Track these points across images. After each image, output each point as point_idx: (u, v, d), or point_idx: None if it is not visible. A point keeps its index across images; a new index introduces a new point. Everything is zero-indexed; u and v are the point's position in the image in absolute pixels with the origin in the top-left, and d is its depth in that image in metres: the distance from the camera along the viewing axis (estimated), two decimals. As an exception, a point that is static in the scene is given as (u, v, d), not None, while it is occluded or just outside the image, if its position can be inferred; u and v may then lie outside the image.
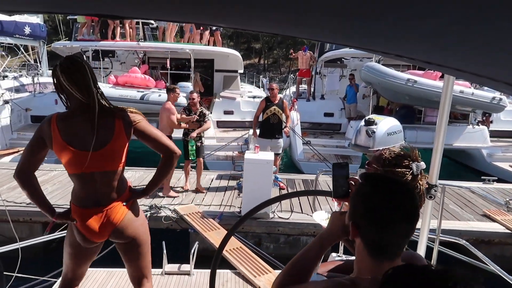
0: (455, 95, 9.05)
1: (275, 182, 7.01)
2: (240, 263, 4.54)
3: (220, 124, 11.77)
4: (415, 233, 3.29)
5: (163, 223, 5.76)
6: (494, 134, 11.97)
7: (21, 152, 9.70)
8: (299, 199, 6.45)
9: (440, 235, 3.47)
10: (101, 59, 12.06)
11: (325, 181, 7.01)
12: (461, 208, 6.72)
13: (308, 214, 5.90)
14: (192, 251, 4.32)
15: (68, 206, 2.21)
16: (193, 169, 7.30)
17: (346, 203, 1.57)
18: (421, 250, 2.39)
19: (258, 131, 7.21)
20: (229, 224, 5.47)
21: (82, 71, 2.02)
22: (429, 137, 9.81)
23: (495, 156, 11.19)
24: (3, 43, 14.88)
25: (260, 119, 7.20)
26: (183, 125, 6.66)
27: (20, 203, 5.89)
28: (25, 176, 2.07)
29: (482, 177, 8.17)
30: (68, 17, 15.34)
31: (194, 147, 6.77)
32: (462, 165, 11.90)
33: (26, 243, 3.79)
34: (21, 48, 15.71)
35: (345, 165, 1.45)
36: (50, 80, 14.77)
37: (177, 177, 7.46)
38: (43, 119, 2.11)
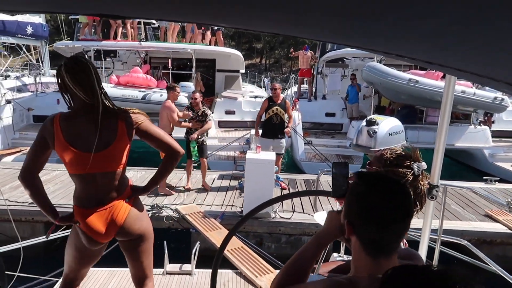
0: (457, 95, 9.03)
1: (277, 182, 7.01)
2: (241, 263, 4.54)
3: (221, 124, 11.78)
4: (416, 234, 3.29)
5: (165, 222, 5.77)
6: (496, 134, 11.95)
7: (23, 151, 9.78)
8: (300, 199, 6.45)
9: (442, 235, 3.46)
10: (103, 59, 12.08)
11: (327, 181, 7.00)
12: (463, 208, 6.70)
13: (309, 214, 5.90)
14: (194, 251, 4.33)
15: (70, 205, 2.21)
16: (194, 169, 7.31)
17: None
18: (423, 251, 2.38)
19: (260, 131, 7.21)
20: (230, 224, 5.47)
21: (87, 71, 2.02)
22: (431, 137, 9.80)
23: (497, 156, 11.16)
24: (5, 42, 14.92)
25: (263, 119, 7.20)
26: (184, 123, 6.67)
27: (22, 202, 5.91)
28: (30, 177, 2.07)
29: (484, 177, 8.15)
30: (70, 17, 15.39)
31: (196, 147, 6.78)
32: (464, 165, 11.87)
33: (28, 242, 3.79)
34: (23, 48, 15.76)
35: (345, 164, 1.45)
36: (52, 79, 14.86)
37: (178, 177, 7.47)
38: (45, 118, 2.11)
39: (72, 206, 2.20)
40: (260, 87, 18.33)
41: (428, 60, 0.78)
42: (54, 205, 2.21)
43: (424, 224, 2.36)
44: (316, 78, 13.67)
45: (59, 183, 6.91)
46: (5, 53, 15.64)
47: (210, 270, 1.72)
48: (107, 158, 2.07)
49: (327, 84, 13.57)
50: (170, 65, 11.74)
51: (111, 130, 2.07)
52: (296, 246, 5.73)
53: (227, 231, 1.94)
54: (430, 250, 2.69)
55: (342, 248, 2.93)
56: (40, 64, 15.42)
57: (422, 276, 0.75)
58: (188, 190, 6.95)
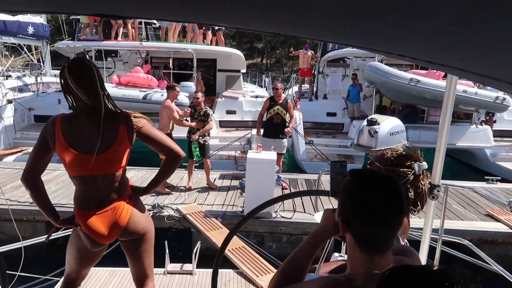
0: (458, 94, 9.02)
1: (278, 182, 7.01)
2: (242, 263, 4.54)
3: (222, 124, 11.78)
4: (417, 233, 3.28)
5: (166, 222, 5.77)
6: (498, 134, 11.93)
7: (25, 151, 9.79)
8: (301, 199, 6.45)
9: (443, 235, 3.46)
10: (104, 59, 12.10)
11: (328, 181, 6.95)
12: (465, 208, 6.69)
13: (310, 214, 5.90)
14: (195, 250, 4.33)
15: (71, 205, 2.22)
16: (196, 169, 7.31)
17: None
18: (424, 250, 2.38)
19: (262, 130, 7.21)
20: (231, 224, 5.47)
21: (90, 73, 2.03)
22: (432, 137, 9.79)
23: (499, 156, 11.14)
24: (6, 43, 14.95)
25: (264, 118, 7.20)
26: (186, 122, 6.68)
27: (24, 202, 5.92)
28: (32, 179, 2.08)
29: (486, 177, 8.14)
30: (71, 17, 15.41)
31: (197, 148, 6.79)
32: (466, 165, 11.86)
33: (29, 242, 3.80)
34: (25, 48, 15.79)
35: (343, 162, 1.45)
36: (53, 79, 14.89)
37: (179, 177, 7.47)
38: (46, 118, 2.12)
39: (73, 206, 2.21)
40: (261, 87, 18.33)
41: (429, 60, 0.78)
42: (55, 205, 2.22)
43: (425, 223, 2.36)
44: (317, 78, 13.66)
45: (61, 183, 6.92)
46: (7, 53, 15.67)
47: (211, 270, 1.72)
48: (107, 160, 2.08)
49: (328, 84, 13.56)
50: (171, 65, 11.74)
51: (112, 133, 2.08)
52: (297, 246, 5.72)
53: (228, 231, 1.94)
54: (431, 250, 2.69)
55: (343, 248, 2.93)
56: (41, 64, 15.45)
57: (421, 276, 0.75)
58: (189, 189, 6.95)
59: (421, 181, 1.85)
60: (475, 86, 10.58)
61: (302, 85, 14.01)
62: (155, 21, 14.24)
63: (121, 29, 12.49)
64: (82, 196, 2.14)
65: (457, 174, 9.85)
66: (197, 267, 4.26)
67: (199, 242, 4.63)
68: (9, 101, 10.72)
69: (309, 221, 5.72)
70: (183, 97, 10.33)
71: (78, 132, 2.06)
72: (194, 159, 6.93)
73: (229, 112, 11.99)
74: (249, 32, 29.99)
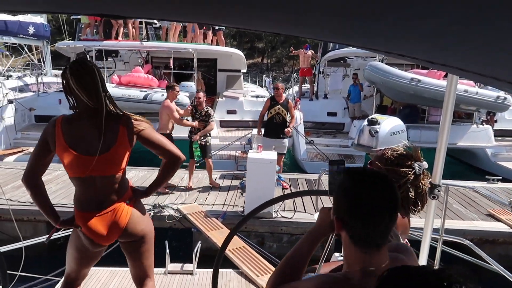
0: (459, 94, 9.01)
1: (278, 182, 7.01)
2: (242, 263, 4.54)
3: (223, 124, 11.78)
4: (418, 233, 3.28)
5: (166, 222, 5.77)
6: (499, 134, 11.91)
7: (25, 151, 9.79)
8: (302, 199, 6.45)
9: (444, 235, 3.46)
10: (105, 59, 12.10)
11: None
12: (465, 207, 6.69)
13: (311, 214, 5.90)
14: (195, 250, 4.33)
15: (71, 205, 2.22)
16: (196, 169, 7.32)
17: None
18: (424, 250, 2.38)
19: (263, 130, 7.21)
20: (232, 224, 5.47)
21: (92, 74, 2.03)
22: (433, 137, 9.78)
23: (500, 156, 11.13)
24: (7, 43, 14.97)
25: (265, 118, 7.20)
26: (187, 122, 6.68)
27: (24, 202, 5.92)
28: (32, 179, 2.09)
29: (487, 177, 8.13)
30: (71, 17, 15.42)
31: (198, 148, 6.79)
32: (467, 165, 11.85)
33: (30, 242, 3.80)
34: (25, 48, 15.82)
35: (341, 162, 1.45)
36: (54, 79, 14.89)
37: (180, 177, 7.47)
38: (47, 118, 2.13)
39: (73, 207, 2.21)
40: (262, 86, 18.32)
41: (430, 60, 0.78)
42: (56, 205, 2.23)
43: (426, 223, 2.35)
44: (318, 78, 13.65)
45: (61, 183, 6.93)
46: (7, 53, 15.69)
47: (212, 270, 1.72)
48: (107, 162, 2.08)
49: (328, 84, 13.56)
50: (171, 65, 11.74)
51: (112, 134, 2.09)
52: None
53: (229, 231, 1.94)
54: (432, 250, 2.68)
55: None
56: (42, 64, 15.46)
57: (419, 276, 0.74)
58: (190, 189, 6.96)
59: (422, 181, 1.85)
60: (476, 85, 10.57)
61: (303, 85, 14.00)
62: (155, 21, 14.25)
63: (122, 29, 12.50)
64: (82, 197, 2.14)
65: (458, 174, 9.84)
66: (197, 267, 4.26)
67: (199, 242, 4.63)
68: (10, 101, 10.73)
69: (310, 221, 5.72)
70: (184, 97, 10.33)
71: (79, 134, 2.07)
72: (195, 159, 6.93)
73: (229, 112, 11.99)
74: (250, 32, 29.99)
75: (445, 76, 9.58)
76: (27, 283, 3.95)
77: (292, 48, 15.07)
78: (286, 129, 6.99)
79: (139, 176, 7.65)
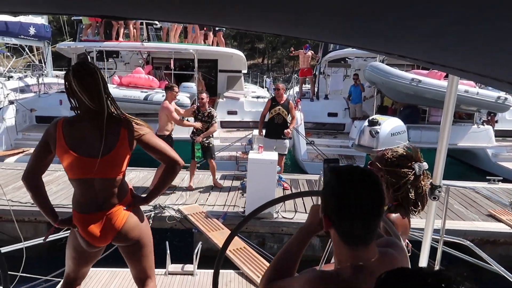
0: (460, 94, 8.99)
1: (279, 182, 7.01)
2: (243, 263, 4.54)
3: (223, 124, 11.78)
4: (419, 234, 3.27)
5: (167, 223, 5.77)
6: (499, 134, 11.89)
7: (26, 152, 9.80)
8: (303, 199, 6.44)
9: (444, 235, 3.46)
10: (105, 60, 12.10)
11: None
12: (466, 208, 6.68)
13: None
14: (196, 251, 4.33)
15: (71, 206, 2.23)
16: (197, 170, 7.32)
17: None
18: (425, 251, 2.38)
19: (264, 131, 7.22)
20: (233, 224, 5.47)
21: (94, 76, 2.05)
22: (434, 137, 9.77)
23: (501, 156, 11.12)
24: (8, 43, 15.00)
25: (266, 119, 7.21)
26: (187, 122, 6.68)
27: (25, 203, 5.92)
28: (32, 179, 2.11)
29: (487, 177, 8.12)
30: (72, 18, 15.43)
31: (200, 149, 6.79)
32: (467, 165, 11.83)
33: (31, 242, 3.81)
34: (26, 49, 15.83)
35: (336, 161, 1.46)
36: (55, 80, 14.88)
37: (181, 177, 7.48)
38: (48, 119, 2.14)
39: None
40: (263, 87, 18.32)
41: (430, 60, 0.78)
42: (56, 206, 2.24)
43: (427, 224, 2.35)
44: (318, 78, 13.64)
45: (62, 184, 6.93)
46: (8, 54, 15.72)
47: (212, 271, 1.72)
48: (107, 164, 2.09)
49: (329, 84, 13.55)
50: (172, 65, 11.75)
51: (113, 137, 2.09)
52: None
53: (229, 231, 1.94)
54: (433, 250, 2.68)
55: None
56: (43, 65, 15.48)
57: (416, 278, 0.74)
58: (190, 189, 6.96)
59: (422, 182, 1.85)
60: (476, 86, 10.56)
61: (303, 86, 13.99)
62: (156, 22, 14.26)
63: (122, 29, 12.51)
64: (80, 199, 2.15)
65: (459, 174, 9.83)
66: (198, 268, 4.26)
67: (200, 242, 4.63)
68: (11, 102, 10.74)
69: (311, 222, 5.71)
70: (184, 98, 10.33)
71: (80, 136, 2.08)
72: (196, 160, 6.93)
73: (230, 113, 11.99)
74: (250, 33, 30.01)
75: (446, 76, 9.57)
76: (28, 283, 3.95)
77: (293, 49, 15.05)
78: (286, 130, 6.99)
79: (140, 177, 7.65)
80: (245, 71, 14.32)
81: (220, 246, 4.05)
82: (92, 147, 2.05)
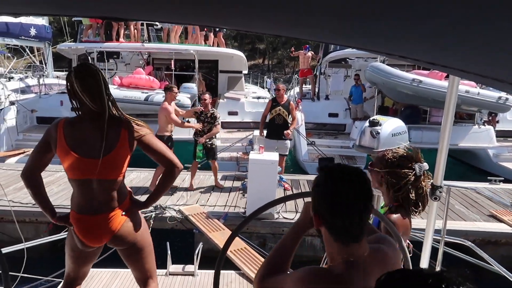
0: (461, 95, 8.99)
1: (280, 183, 7.01)
2: (244, 264, 4.54)
3: (224, 125, 11.76)
4: (420, 234, 3.27)
5: (168, 223, 5.77)
6: (500, 134, 11.88)
7: (27, 153, 9.81)
8: (304, 200, 6.43)
9: (446, 236, 3.45)
10: (106, 61, 12.11)
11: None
12: (467, 208, 6.67)
13: (312, 215, 5.88)
14: (197, 251, 4.33)
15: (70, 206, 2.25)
16: (198, 170, 7.32)
17: None
18: (426, 251, 2.37)
19: (265, 131, 7.22)
20: (233, 225, 5.47)
21: (96, 77, 2.07)
22: (435, 137, 9.75)
23: (502, 156, 11.10)
24: (9, 44, 15.02)
25: (267, 119, 7.22)
26: (187, 124, 6.68)
27: (26, 203, 5.93)
28: (31, 176, 2.13)
29: (489, 178, 8.11)
30: (73, 19, 15.44)
31: (202, 150, 6.79)
32: (468, 165, 11.82)
33: (32, 243, 3.81)
34: (27, 50, 15.85)
35: (331, 159, 1.48)
36: (56, 81, 14.88)
37: (181, 178, 7.48)
38: (48, 120, 2.16)
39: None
40: (263, 88, 18.32)
41: (431, 61, 0.78)
42: (57, 207, 2.26)
43: (428, 224, 2.35)
44: (319, 79, 13.64)
45: (63, 184, 6.94)
46: (9, 54, 15.75)
47: (213, 271, 1.72)
48: (108, 165, 2.09)
49: (330, 85, 13.54)
50: (172, 66, 11.75)
51: (114, 138, 2.10)
52: (300, 247, 5.70)
53: (230, 232, 1.94)
54: (434, 251, 2.68)
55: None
56: (44, 65, 15.51)
57: (417, 279, 0.74)
58: (191, 189, 6.96)
59: (422, 182, 1.85)
60: (477, 86, 10.54)
61: (304, 86, 13.99)
62: (157, 23, 14.27)
63: (122, 29, 12.52)
64: (78, 199, 2.16)
65: (460, 174, 9.82)
66: (199, 269, 4.26)
67: (201, 243, 4.63)
68: (12, 103, 10.76)
69: (311, 222, 5.71)
70: (185, 98, 10.34)
71: (81, 136, 2.09)
72: (196, 160, 6.93)
73: (231, 113, 11.99)
74: (251, 34, 30.02)
75: (447, 77, 9.56)
76: (29, 284, 3.95)
77: (293, 49, 15.01)
78: (285, 131, 6.99)
79: (141, 178, 7.66)
80: (246, 72, 14.32)
81: (221, 246, 4.05)
82: (92, 148, 2.06)
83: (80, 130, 2.09)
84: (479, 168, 11.38)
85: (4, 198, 4.96)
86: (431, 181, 2.08)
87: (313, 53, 13.42)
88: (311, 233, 6.11)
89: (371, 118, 3.74)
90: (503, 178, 8.25)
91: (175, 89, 6.61)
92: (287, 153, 7.46)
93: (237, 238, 4.66)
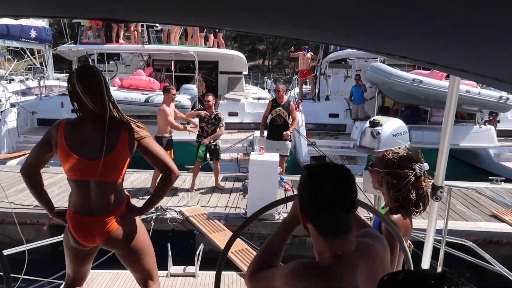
0: (461, 94, 8.98)
1: (280, 184, 7.00)
2: (245, 265, 4.53)
3: (224, 126, 11.78)
4: (421, 235, 3.27)
5: (169, 224, 5.77)
6: (501, 134, 11.87)
7: (28, 155, 9.81)
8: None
9: (447, 236, 3.45)
10: (106, 62, 12.12)
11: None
12: (469, 208, 6.66)
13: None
14: (197, 252, 4.33)
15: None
16: (199, 172, 7.32)
17: None
18: (428, 252, 2.37)
19: (266, 132, 7.23)
20: (234, 226, 5.47)
21: (98, 78, 2.07)
22: (435, 137, 9.74)
23: (503, 156, 11.08)
24: (9, 46, 15.03)
25: (268, 120, 7.22)
26: (181, 126, 6.67)
27: (27, 205, 5.93)
28: (30, 173, 2.18)
29: (490, 177, 8.10)
30: (73, 21, 15.47)
31: (205, 151, 6.79)
32: (469, 165, 11.80)
33: (33, 245, 3.81)
34: (27, 52, 15.87)
35: (323, 158, 1.50)
36: (56, 83, 14.88)
37: (182, 179, 7.48)
38: (49, 122, 2.16)
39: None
40: (263, 88, 18.32)
41: (431, 61, 0.78)
42: (58, 208, 2.30)
43: (429, 225, 2.35)
44: (319, 79, 13.64)
45: (64, 186, 6.94)
46: (9, 56, 15.78)
47: (214, 272, 1.72)
48: (107, 166, 2.09)
49: (330, 85, 13.54)
50: (173, 67, 11.76)
51: (114, 139, 2.10)
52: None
53: (231, 233, 1.94)
54: (435, 251, 2.67)
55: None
56: (44, 67, 15.52)
57: (419, 280, 0.75)
58: (192, 189, 6.96)
59: (423, 182, 1.85)
60: (478, 86, 10.54)
61: (304, 87, 13.99)
62: (157, 24, 14.27)
63: (122, 31, 12.54)
64: (76, 199, 2.17)
65: (461, 174, 9.80)
66: (200, 270, 4.26)
67: (202, 244, 4.62)
68: (12, 105, 10.76)
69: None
70: (185, 100, 10.34)
71: (82, 138, 2.09)
72: (197, 160, 6.93)
73: (231, 114, 11.99)
74: (251, 35, 30.00)
75: (447, 76, 9.55)
76: (30, 285, 3.95)
77: (293, 49, 14.99)
78: (285, 132, 6.99)
79: (142, 179, 7.66)
80: (246, 73, 14.32)
81: (222, 247, 4.05)
82: (93, 149, 2.06)
83: (80, 131, 2.10)
84: (480, 168, 11.36)
85: (5, 200, 4.96)
86: (432, 181, 2.08)
87: (312, 54, 13.42)
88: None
89: (371, 119, 3.74)
90: (504, 178, 8.23)
91: (173, 91, 6.61)
92: (288, 154, 7.46)
93: (238, 239, 4.66)
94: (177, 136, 6.95)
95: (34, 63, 16.51)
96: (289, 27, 0.75)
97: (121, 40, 12.56)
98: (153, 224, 5.56)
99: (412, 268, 1.53)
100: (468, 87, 10.09)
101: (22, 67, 18.19)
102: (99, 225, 2.14)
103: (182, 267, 4.32)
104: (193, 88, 11.25)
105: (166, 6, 0.65)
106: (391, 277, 0.79)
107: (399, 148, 2.09)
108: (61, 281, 3.82)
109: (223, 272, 1.79)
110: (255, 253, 4.87)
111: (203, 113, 6.72)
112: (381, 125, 3.54)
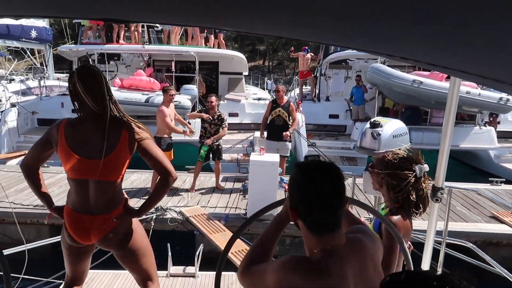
0: (462, 95, 8.97)
1: (281, 184, 7.00)
2: (245, 265, 4.53)
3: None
4: (421, 236, 3.27)
5: (169, 225, 5.77)
6: (502, 135, 11.86)
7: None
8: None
9: (447, 237, 3.45)
10: (107, 62, 12.13)
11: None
12: (469, 209, 6.66)
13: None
14: (197, 253, 4.33)
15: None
16: (201, 171, 7.32)
17: None
18: (428, 253, 2.37)
19: (266, 133, 7.23)
20: (235, 226, 5.46)
21: (98, 78, 2.08)
22: (436, 139, 9.75)
23: (503, 157, 11.07)
24: (9, 46, 15.05)
25: (268, 121, 7.22)
26: (179, 129, 6.67)
27: (27, 205, 5.93)
28: (29, 168, 2.20)
29: (490, 179, 8.10)
30: (74, 21, 15.47)
31: (205, 152, 6.79)
32: (470, 167, 11.79)
33: (33, 245, 3.81)
34: (28, 52, 15.89)
35: (317, 158, 1.50)
36: (56, 83, 14.88)
37: (182, 179, 7.48)
38: (49, 122, 2.17)
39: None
40: (264, 89, 18.32)
41: (431, 62, 0.78)
42: (52, 199, 2.31)
43: (429, 226, 2.35)
44: (320, 80, 13.64)
45: (64, 186, 6.94)
46: (10, 56, 15.79)
47: (214, 273, 1.72)
48: (107, 166, 2.09)
49: (330, 86, 13.54)
50: (173, 68, 11.76)
51: (114, 139, 2.11)
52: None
53: (231, 234, 1.94)
54: (435, 252, 2.67)
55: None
56: (44, 67, 15.53)
57: (420, 280, 0.75)
58: (192, 189, 6.96)
59: (423, 184, 1.85)
60: (478, 87, 10.53)
61: (304, 87, 13.99)
62: (157, 24, 14.28)
63: (123, 31, 12.54)
64: (74, 197, 2.18)
65: (461, 175, 9.80)
66: (200, 270, 4.26)
67: (202, 244, 4.62)
68: (13, 105, 10.76)
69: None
70: (185, 100, 10.34)
71: (82, 137, 2.10)
72: (198, 160, 6.94)
73: (231, 115, 11.97)
74: (251, 35, 30.00)
75: (447, 78, 9.56)
76: (30, 285, 3.95)
77: (293, 49, 14.96)
78: (284, 133, 6.99)
79: (142, 179, 7.66)
80: (246, 73, 14.33)
81: (222, 248, 4.05)
82: (93, 148, 2.07)
83: (81, 131, 2.10)
84: (480, 169, 11.35)
85: (5, 199, 4.96)
86: (432, 182, 2.08)
87: (312, 54, 13.43)
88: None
89: (372, 120, 3.74)
90: (504, 179, 8.23)
91: (172, 91, 6.62)
92: (288, 154, 7.46)
93: (238, 240, 4.66)
94: (177, 136, 6.95)
95: (34, 63, 16.53)
96: (289, 27, 0.76)
97: (121, 41, 12.57)
98: (153, 224, 5.56)
99: (413, 270, 1.53)
100: (469, 88, 10.09)
101: (23, 67, 18.21)
102: (95, 224, 2.15)
103: (182, 267, 4.32)
104: (194, 88, 11.26)
105: (166, 6, 0.65)
106: (393, 278, 0.80)
107: (399, 149, 2.09)
108: (61, 281, 3.82)
109: (223, 273, 1.79)
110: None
111: (205, 116, 6.70)
112: (381, 126, 3.54)
